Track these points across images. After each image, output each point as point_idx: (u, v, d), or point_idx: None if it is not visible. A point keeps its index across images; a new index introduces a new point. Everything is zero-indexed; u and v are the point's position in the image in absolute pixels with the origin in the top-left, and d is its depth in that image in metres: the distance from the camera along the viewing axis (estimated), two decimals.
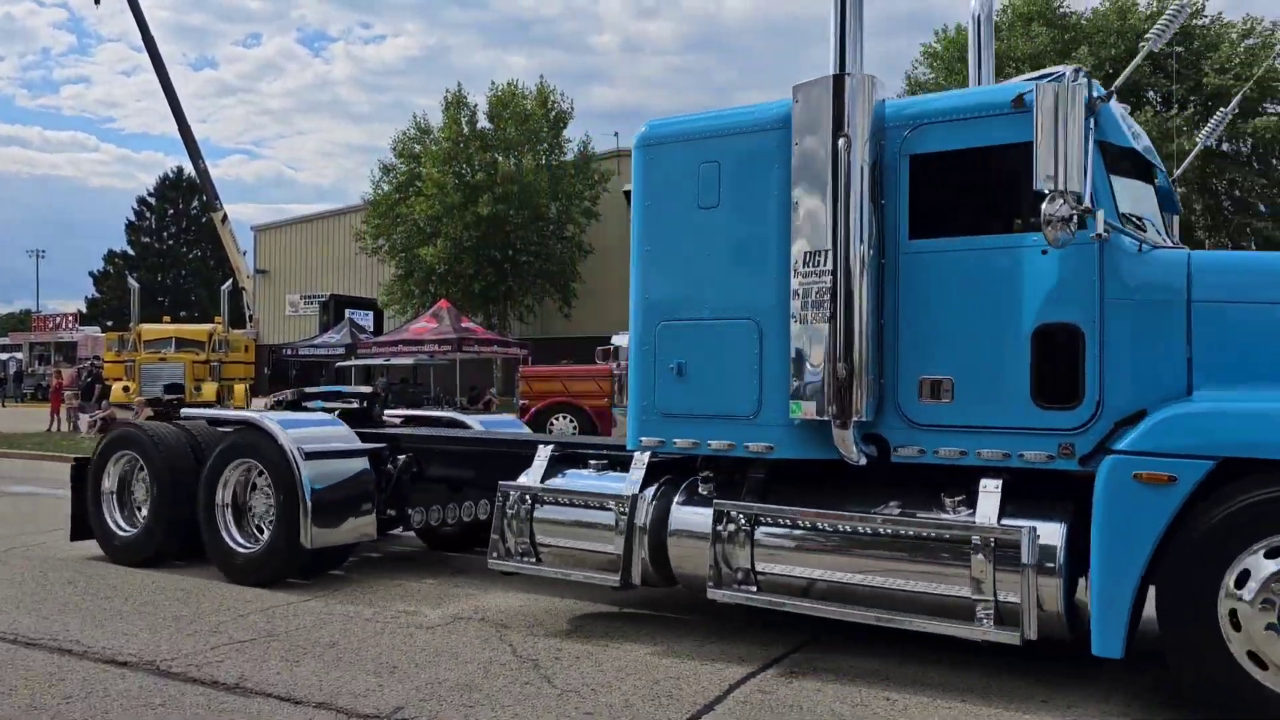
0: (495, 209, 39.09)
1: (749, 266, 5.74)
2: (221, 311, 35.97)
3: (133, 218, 74.89)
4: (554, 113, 42.34)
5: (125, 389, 30.81)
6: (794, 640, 5.93)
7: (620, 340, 24.90)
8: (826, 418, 5.28)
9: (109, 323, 56.47)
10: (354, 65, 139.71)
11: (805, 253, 5.37)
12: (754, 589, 5.62)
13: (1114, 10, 30.47)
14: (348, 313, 37.87)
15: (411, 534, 9.15)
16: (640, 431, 6.14)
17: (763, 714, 4.75)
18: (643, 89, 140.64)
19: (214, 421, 8.68)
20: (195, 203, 69.80)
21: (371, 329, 36.74)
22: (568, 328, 43.19)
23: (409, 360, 28.45)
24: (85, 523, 8.70)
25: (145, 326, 34.50)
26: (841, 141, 5.24)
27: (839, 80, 5.34)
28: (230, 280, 40.76)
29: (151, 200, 75.19)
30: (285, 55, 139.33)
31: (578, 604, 6.91)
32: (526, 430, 10.24)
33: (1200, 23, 30.72)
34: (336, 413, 8.71)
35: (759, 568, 5.59)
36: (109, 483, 8.61)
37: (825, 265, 5.29)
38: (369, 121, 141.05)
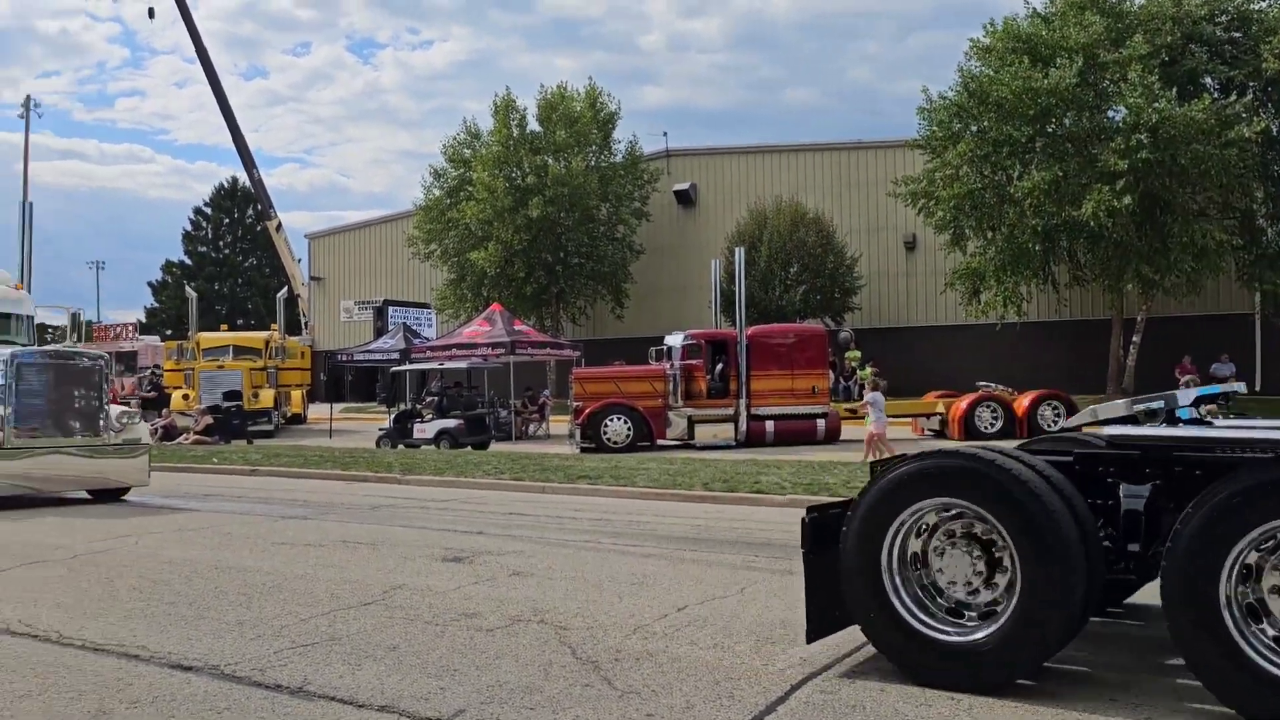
0: (546, 211, 39.25)
1: None
2: (277, 318, 36.51)
3: (189, 228, 76.36)
4: (603, 114, 42.41)
5: (185, 397, 31.40)
6: (856, 639, 5.84)
7: (673, 340, 24.87)
8: None
9: (168, 332, 57.63)
10: (402, 72, 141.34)
11: None
12: None
13: None
14: (399, 317, 38.21)
15: None
16: None
17: (825, 715, 4.67)
18: (690, 87, 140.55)
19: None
20: (250, 212, 70.98)
21: (430, 334, 37.05)
22: (620, 329, 43.21)
23: (463, 364, 28.63)
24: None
25: (203, 335, 35.12)
26: None
27: None
28: (285, 288, 41.38)
29: (207, 210, 76.58)
30: (334, 63, 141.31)
31: (636, 604, 6.88)
32: None
33: (1259, 7, 29.89)
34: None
35: None
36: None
37: None
38: (418, 127, 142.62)
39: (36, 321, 17.17)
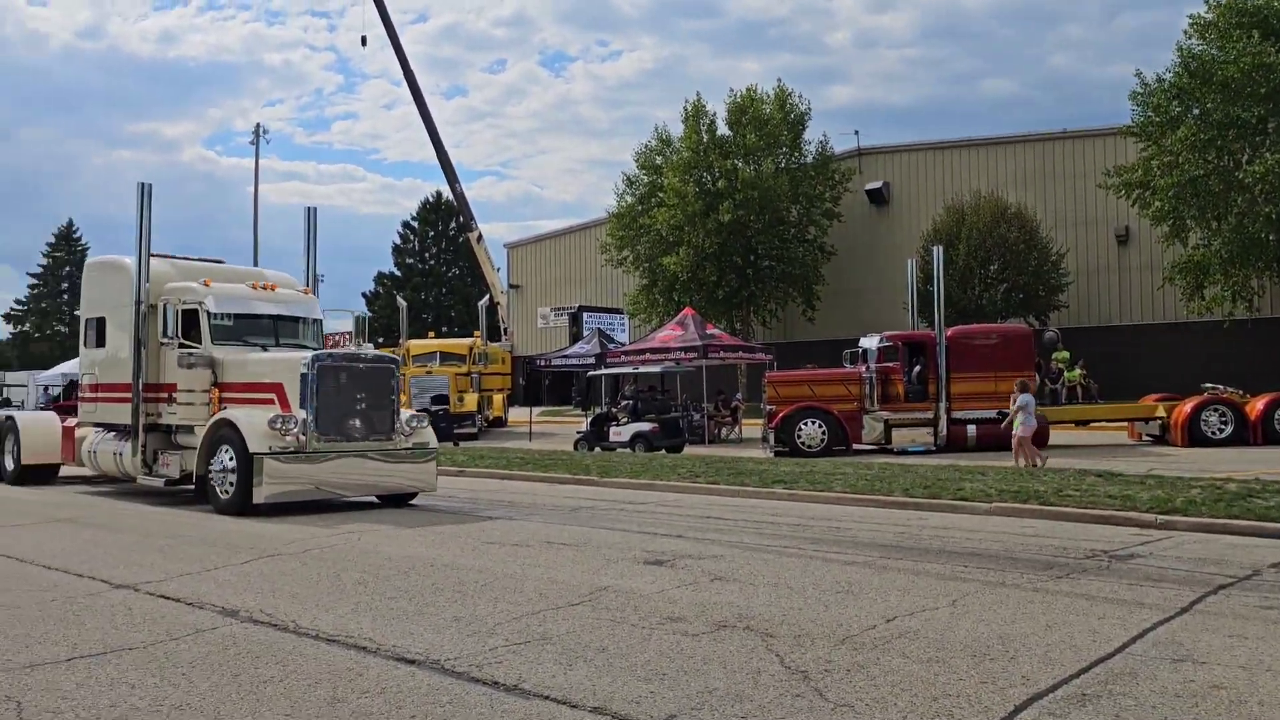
0: (736, 215, 39.26)
1: None
2: (480, 325, 37.97)
3: (398, 240, 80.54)
4: (792, 115, 42.03)
5: None
6: (1085, 658, 5.51)
7: (869, 342, 24.33)
8: None
9: (380, 339, 60.96)
10: (593, 83, 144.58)
11: None
12: None
13: None
14: (593, 322, 39.00)
15: None
16: None
17: None
18: (880, 85, 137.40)
19: None
20: (453, 224, 74.21)
21: (623, 339, 37.66)
22: (811, 332, 42.71)
23: (656, 369, 28.95)
24: None
25: (413, 342, 36.96)
26: None
27: None
28: (486, 296, 43.00)
29: (414, 224, 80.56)
30: (528, 78, 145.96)
31: (842, 613, 6.74)
32: None
33: None
34: None
35: None
36: None
37: None
38: (608, 137, 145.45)
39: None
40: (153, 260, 15.16)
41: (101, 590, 8.03)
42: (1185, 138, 27.42)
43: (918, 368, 23.86)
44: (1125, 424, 24.32)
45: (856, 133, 49.72)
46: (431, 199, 79.97)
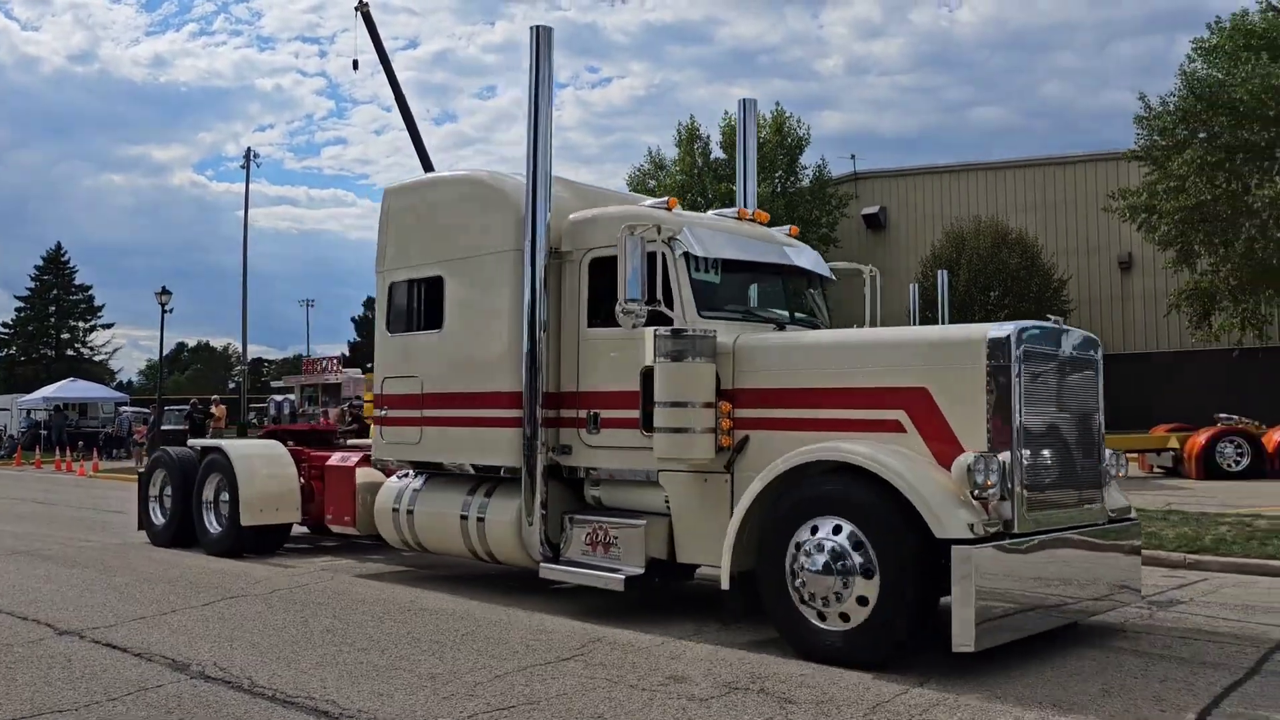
0: None
1: None
2: None
3: None
4: (790, 140, 41.56)
5: None
6: None
7: None
8: None
9: (368, 365, 60.14)
10: (582, 109, 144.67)
11: None
12: None
13: None
14: None
15: None
16: None
17: None
18: (871, 112, 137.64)
19: None
20: None
21: None
22: None
23: None
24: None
25: None
26: None
27: None
28: None
29: None
30: (518, 104, 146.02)
31: (869, 676, 5.96)
32: None
33: None
34: None
35: None
36: None
37: None
38: (598, 162, 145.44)
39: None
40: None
41: (45, 637, 7.23)
42: (1191, 161, 26.86)
43: None
44: (1136, 455, 23.62)
45: (853, 157, 49.22)
46: None
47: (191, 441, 13.24)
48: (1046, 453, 6.54)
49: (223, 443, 12.07)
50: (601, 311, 8.06)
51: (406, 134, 47.32)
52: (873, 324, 9.37)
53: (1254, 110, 25.71)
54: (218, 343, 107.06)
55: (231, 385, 72.74)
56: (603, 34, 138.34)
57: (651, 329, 7.32)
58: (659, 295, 7.53)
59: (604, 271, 8.01)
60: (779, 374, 7.21)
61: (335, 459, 11.10)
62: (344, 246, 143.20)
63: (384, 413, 9.60)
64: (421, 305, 9.48)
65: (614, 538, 7.80)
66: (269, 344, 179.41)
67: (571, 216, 8.52)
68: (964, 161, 43.57)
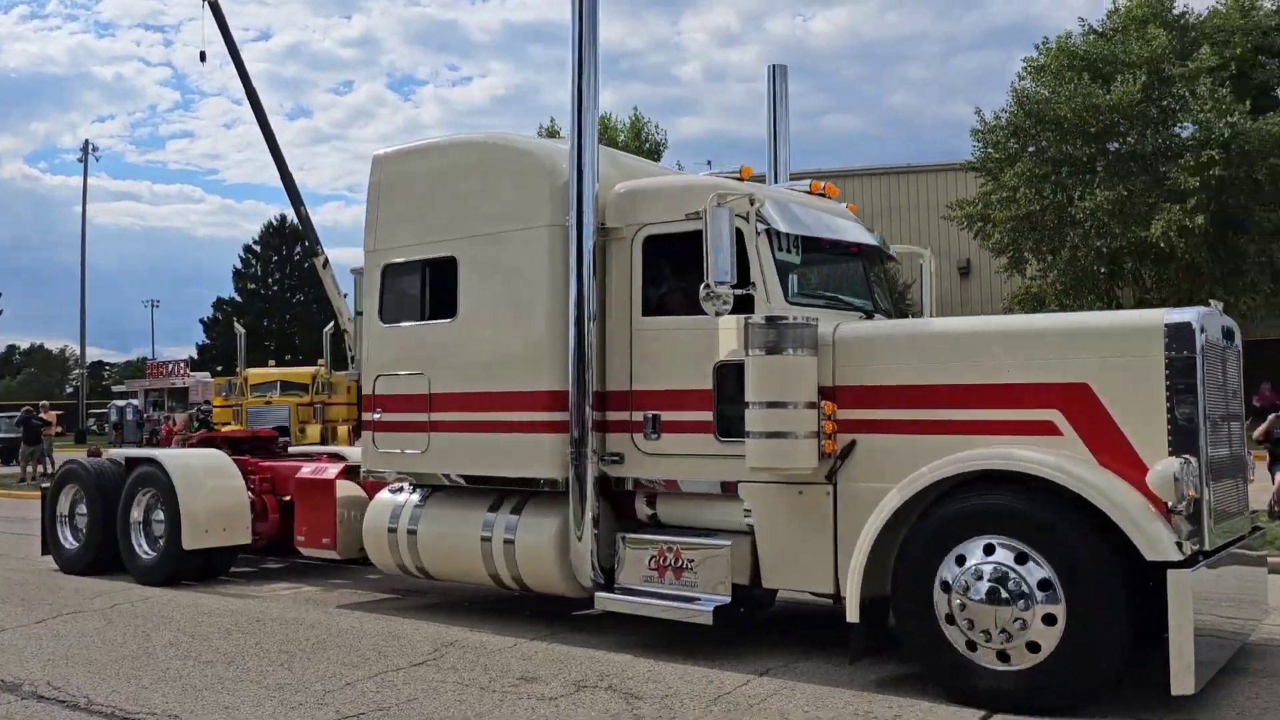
0: None
1: None
2: (324, 354, 36.33)
3: (239, 265, 77.07)
4: (647, 145, 42.10)
5: None
6: None
7: None
8: None
9: (218, 368, 58.03)
10: (443, 108, 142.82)
11: None
12: None
13: (1234, 8, 28.87)
14: None
15: None
16: None
17: None
18: (729, 117, 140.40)
19: None
20: (298, 249, 71.50)
21: None
22: None
23: None
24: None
25: (251, 371, 35.06)
26: None
27: None
28: (332, 323, 41.26)
29: (256, 248, 77.26)
30: (376, 101, 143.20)
31: (713, 669, 6.22)
32: None
33: None
34: None
35: None
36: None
37: None
38: None
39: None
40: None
41: None
42: (1022, 173, 28.58)
43: None
44: None
45: (709, 163, 50.05)
46: (275, 222, 76.92)
47: (113, 452, 11.40)
48: (1223, 454, 5.83)
49: (157, 453, 10.60)
50: (659, 298, 7.11)
51: (259, 128, 45.90)
52: (931, 312, 8.59)
53: (1076, 127, 27.49)
54: (53, 345, 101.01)
55: (69, 390, 68.95)
56: (463, 31, 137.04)
57: (737, 317, 6.38)
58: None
59: (663, 251, 7.04)
60: (896, 369, 6.18)
61: (308, 470, 9.67)
62: (192, 245, 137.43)
63: (377, 416, 8.23)
64: (428, 291, 8.11)
65: (689, 561, 6.64)
66: (111, 347, 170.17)
67: (618, 188, 7.32)
68: (816, 168, 45.01)
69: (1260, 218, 26.93)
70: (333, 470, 9.43)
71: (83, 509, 10.54)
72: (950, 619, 5.42)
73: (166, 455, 10.33)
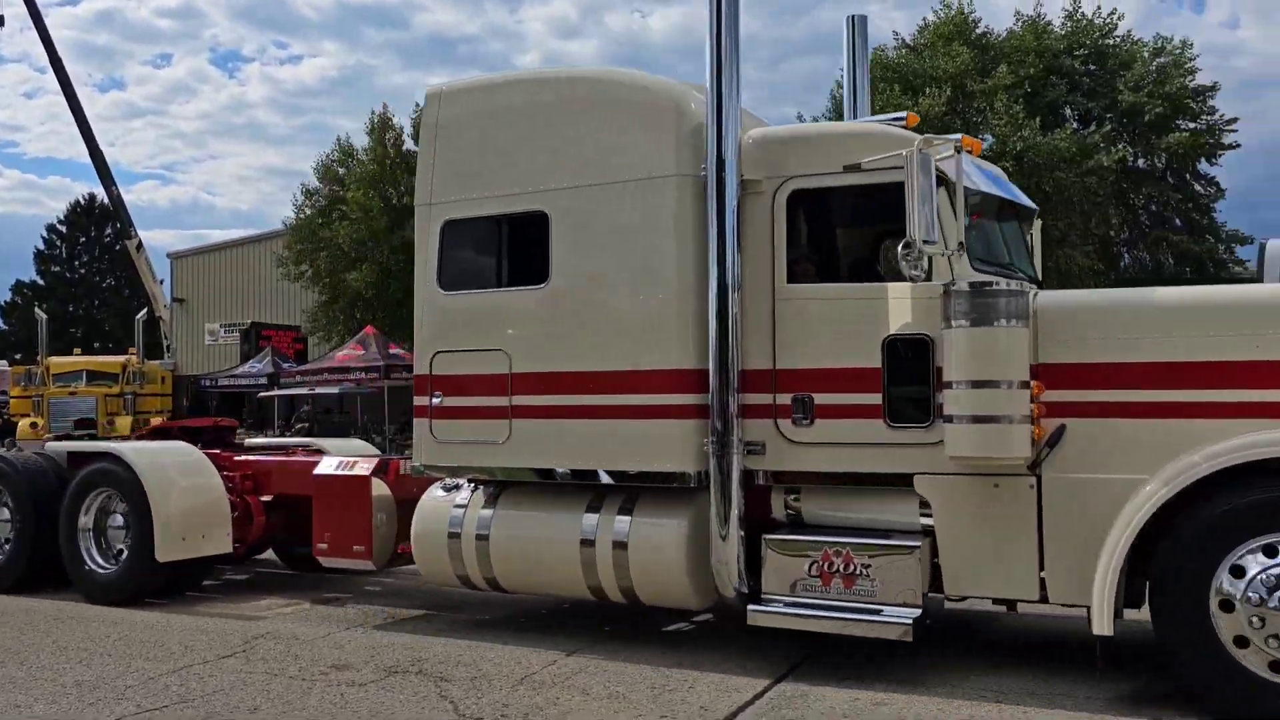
0: None
1: None
2: (136, 342, 34.67)
3: (42, 246, 72.32)
4: None
5: (33, 425, 29.47)
6: None
7: None
8: None
9: (17, 355, 54.31)
10: (270, 87, 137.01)
11: None
12: None
13: (1029, 30, 31.04)
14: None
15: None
16: None
17: None
18: None
19: None
20: (109, 230, 67.60)
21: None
22: None
23: (334, 389, 27.62)
24: None
25: (54, 359, 33.16)
26: None
27: None
28: (146, 309, 39.36)
29: (62, 228, 72.67)
30: (197, 76, 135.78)
31: (523, 650, 6.45)
32: None
33: (1112, 42, 31.42)
34: None
35: None
36: None
37: None
38: (288, 144, 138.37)
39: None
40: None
41: None
42: None
43: None
44: None
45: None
46: (84, 201, 72.49)
47: (54, 445, 9.72)
48: None
49: (114, 446, 8.79)
50: (810, 262, 6.35)
51: (64, 99, 43.21)
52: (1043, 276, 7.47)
53: None
54: None
55: None
56: (291, 8, 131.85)
57: (914, 285, 5.66)
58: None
59: (816, 209, 6.30)
60: (1118, 345, 5.46)
61: (328, 467, 8.33)
62: None
63: (438, 401, 6.98)
64: (507, 252, 7.03)
65: (864, 566, 5.76)
66: None
67: (753, 133, 6.38)
68: None
69: (1047, 226, 29.06)
70: (365, 466, 8.15)
71: (6, 514, 8.86)
72: (1239, 629, 4.81)
73: (129, 450, 8.57)
